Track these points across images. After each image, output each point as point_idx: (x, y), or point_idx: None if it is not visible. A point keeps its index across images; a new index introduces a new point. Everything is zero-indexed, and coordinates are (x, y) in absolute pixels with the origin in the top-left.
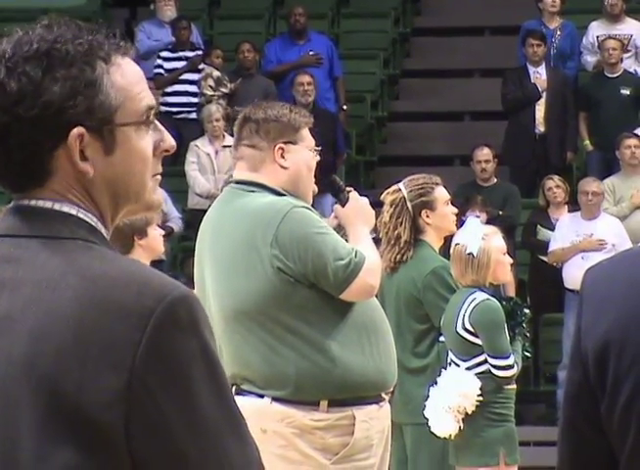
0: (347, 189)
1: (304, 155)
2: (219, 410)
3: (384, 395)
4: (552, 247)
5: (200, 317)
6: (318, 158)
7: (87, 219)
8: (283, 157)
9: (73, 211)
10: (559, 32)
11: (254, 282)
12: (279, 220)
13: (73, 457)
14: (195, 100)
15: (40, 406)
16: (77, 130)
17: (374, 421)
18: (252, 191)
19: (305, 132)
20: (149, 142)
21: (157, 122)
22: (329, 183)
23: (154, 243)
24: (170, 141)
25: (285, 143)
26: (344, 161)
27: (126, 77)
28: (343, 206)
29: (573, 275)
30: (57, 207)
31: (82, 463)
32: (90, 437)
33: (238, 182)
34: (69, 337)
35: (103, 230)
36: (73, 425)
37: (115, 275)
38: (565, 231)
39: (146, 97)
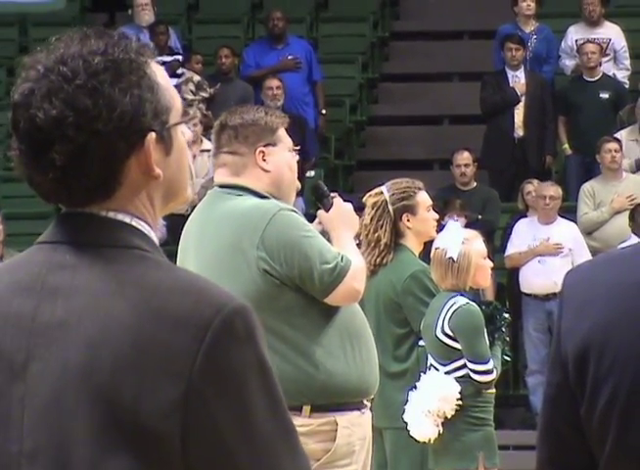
0: (332, 194)
1: (285, 156)
2: (273, 421)
3: (365, 401)
4: (509, 251)
5: (256, 329)
6: (297, 157)
7: (140, 227)
8: (264, 160)
9: (127, 220)
10: (535, 36)
11: (240, 285)
12: (266, 223)
13: (128, 466)
14: None
15: (96, 414)
16: (151, 136)
17: (356, 428)
18: (237, 194)
19: (282, 133)
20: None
21: None
22: (313, 188)
23: None
24: (188, 132)
25: (265, 146)
26: (317, 164)
27: (164, 78)
28: (327, 211)
29: (530, 280)
30: (111, 215)
31: None
32: (146, 446)
33: (222, 186)
34: (127, 346)
35: (153, 237)
36: (129, 434)
37: (172, 284)
38: (522, 235)
39: (177, 94)
